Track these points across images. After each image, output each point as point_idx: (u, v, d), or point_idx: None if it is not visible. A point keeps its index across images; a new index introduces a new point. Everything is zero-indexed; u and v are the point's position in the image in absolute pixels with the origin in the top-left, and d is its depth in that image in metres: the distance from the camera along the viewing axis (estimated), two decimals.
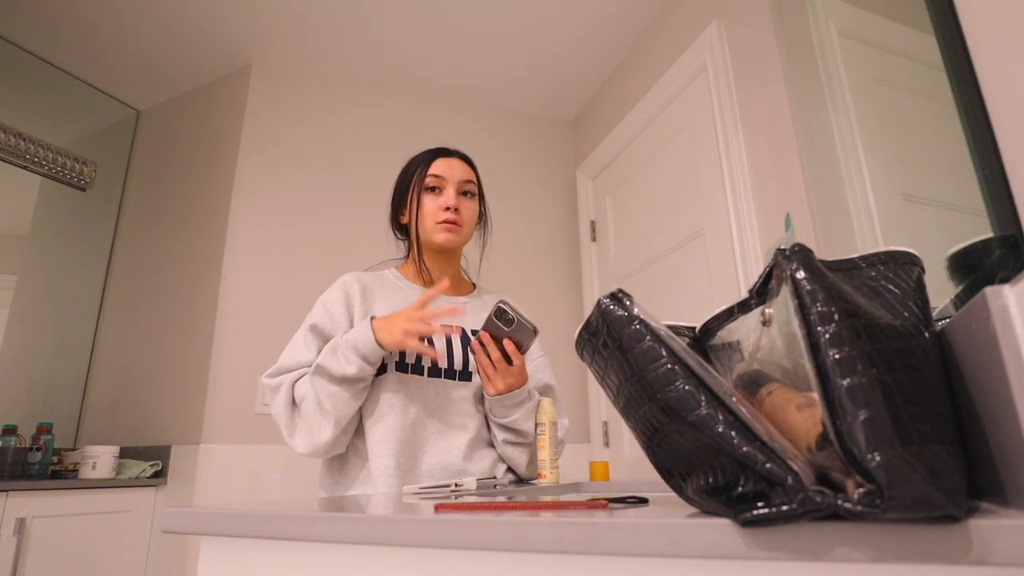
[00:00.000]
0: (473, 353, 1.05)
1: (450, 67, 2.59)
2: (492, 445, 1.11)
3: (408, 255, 1.22)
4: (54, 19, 2.24)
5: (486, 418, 1.11)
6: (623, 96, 2.48)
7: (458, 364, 1.09)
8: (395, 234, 1.24)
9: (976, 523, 0.30)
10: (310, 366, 1.03)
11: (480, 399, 1.10)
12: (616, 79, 2.58)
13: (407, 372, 1.04)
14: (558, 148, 2.94)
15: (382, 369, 1.04)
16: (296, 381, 1.02)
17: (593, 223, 2.65)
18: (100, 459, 1.99)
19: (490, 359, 1.01)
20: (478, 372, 1.05)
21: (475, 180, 1.18)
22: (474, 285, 1.27)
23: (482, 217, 1.24)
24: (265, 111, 2.45)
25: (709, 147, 1.87)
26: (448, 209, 1.11)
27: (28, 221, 2.38)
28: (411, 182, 1.16)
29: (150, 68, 2.51)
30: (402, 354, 1.04)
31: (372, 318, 1.00)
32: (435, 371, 1.06)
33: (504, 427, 1.07)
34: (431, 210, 1.12)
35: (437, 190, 1.14)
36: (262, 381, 1.06)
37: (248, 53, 2.45)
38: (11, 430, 1.94)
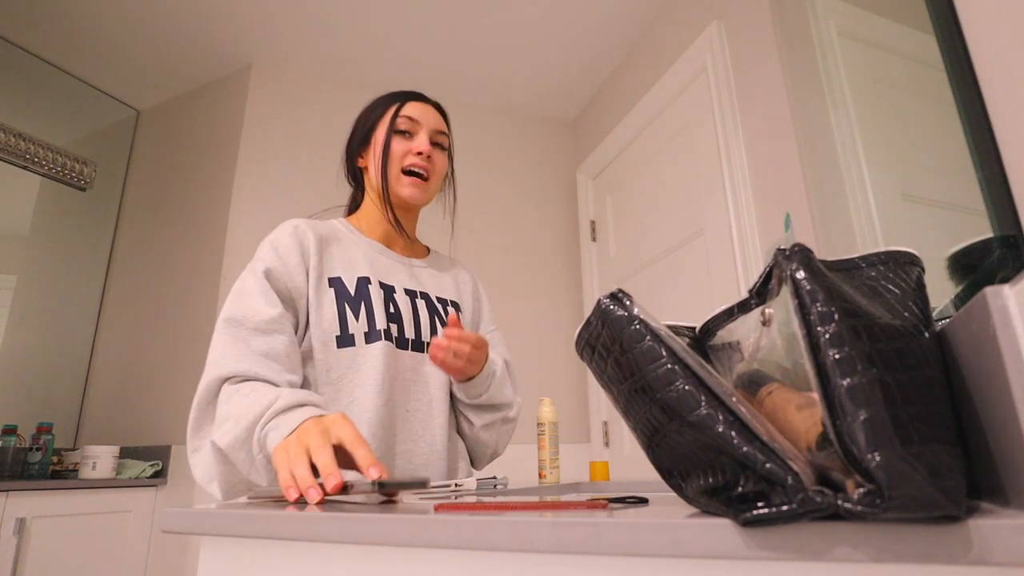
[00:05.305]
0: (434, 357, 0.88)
1: (450, 67, 2.59)
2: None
3: (359, 204, 1.09)
4: (54, 19, 2.24)
5: (452, 402, 1.00)
6: (623, 96, 2.48)
7: (426, 335, 0.97)
8: (348, 180, 1.13)
9: (976, 523, 0.30)
10: (274, 321, 0.88)
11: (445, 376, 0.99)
12: (616, 79, 2.58)
13: (381, 340, 0.90)
14: (558, 148, 2.94)
15: (348, 341, 0.90)
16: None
17: (593, 223, 2.65)
18: (100, 459, 1.99)
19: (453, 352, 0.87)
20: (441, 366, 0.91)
21: (447, 133, 1.06)
22: (428, 249, 1.15)
23: (447, 177, 1.11)
24: (265, 111, 2.45)
25: (709, 147, 1.87)
26: (420, 155, 0.99)
27: (28, 221, 2.38)
28: (377, 121, 1.03)
29: (150, 68, 2.51)
30: (372, 324, 0.91)
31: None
32: (403, 343, 0.95)
33: (482, 407, 0.98)
34: (399, 153, 1.00)
35: (408, 134, 1.01)
36: (214, 383, 0.82)
37: (248, 53, 2.45)
38: (11, 430, 1.95)
